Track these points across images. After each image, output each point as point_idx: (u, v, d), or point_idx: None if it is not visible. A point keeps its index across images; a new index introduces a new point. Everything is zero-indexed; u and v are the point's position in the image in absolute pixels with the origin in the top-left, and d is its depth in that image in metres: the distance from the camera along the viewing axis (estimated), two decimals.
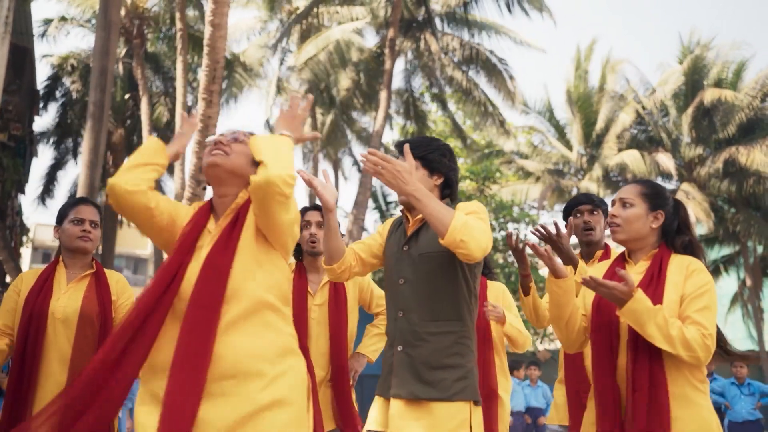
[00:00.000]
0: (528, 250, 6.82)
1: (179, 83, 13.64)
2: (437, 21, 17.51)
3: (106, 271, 3.07)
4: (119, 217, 19.49)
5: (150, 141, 2.17)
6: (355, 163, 22.39)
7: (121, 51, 17.22)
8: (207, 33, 9.22)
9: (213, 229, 2.08)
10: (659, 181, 20.06)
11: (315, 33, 17.37)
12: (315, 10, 17.34)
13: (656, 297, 2.25)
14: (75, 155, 18.57)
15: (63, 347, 2.84)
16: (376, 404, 2.45)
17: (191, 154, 9.69)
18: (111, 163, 18.01)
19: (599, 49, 34.58)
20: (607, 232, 3.27)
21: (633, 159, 19.21)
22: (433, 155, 2.50)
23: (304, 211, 3.41)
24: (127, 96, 18.37)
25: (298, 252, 3.43)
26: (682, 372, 2.22)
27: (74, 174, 19.52)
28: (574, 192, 20.95)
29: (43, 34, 17.26)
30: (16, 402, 2.77)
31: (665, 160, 19.29)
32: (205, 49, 9.23)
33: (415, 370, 2.32)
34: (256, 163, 2.04)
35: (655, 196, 2.43)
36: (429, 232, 2.43)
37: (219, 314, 1.92)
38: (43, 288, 2.92)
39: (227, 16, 9.32)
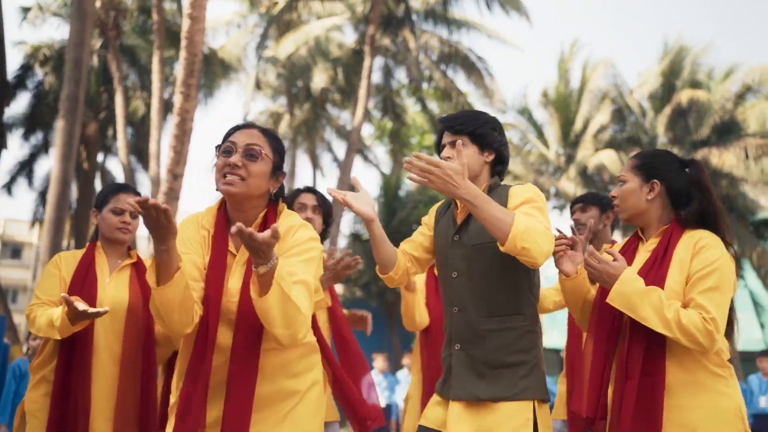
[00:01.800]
0: None
1: (155, 77, 13.45)
2: (416, 18, 17.49)
3: (144, 260, 2.98)
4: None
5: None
6: (335, 159, 22.30)
7: (96, 43, 16.92)
8: (185, 26, 9.09)
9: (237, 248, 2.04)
10: None
11: (294, 28, 17.25)
12: (294, 4, 17.22)
13: (659, 278, 2.12)
14: (46, 148, 18.22)
15: (111, 340, 2.73)
16: (434, 402, 2.31)
17: (168, 148, 9.56)
18: (84, 156, 17.71)
19: (580, 49, 35.24)
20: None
21: (610, 159, 19.37)
22: (483, 129, 2.31)
23: (297, 193, 3.31)
24: (101, 89, 18.08)
25: None
26: (694, 357, 2.08)
27: (46, 167, 19.18)
28: (552, 191, 21.08)
29: (22, 21, 16.92)
30: (67, 397, 2.65)
31: None
32: (183, 42, 9.11)
33: (475, 369, 2.18)
34: (275, 173, 2.05)
35: (648, 167, 2.29)
36: None
37: (262, 334, 1.94)
38: (87, 276, 2.78)
39: (205, 10, 9.21)
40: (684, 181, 2.25)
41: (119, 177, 19.73)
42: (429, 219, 2.48)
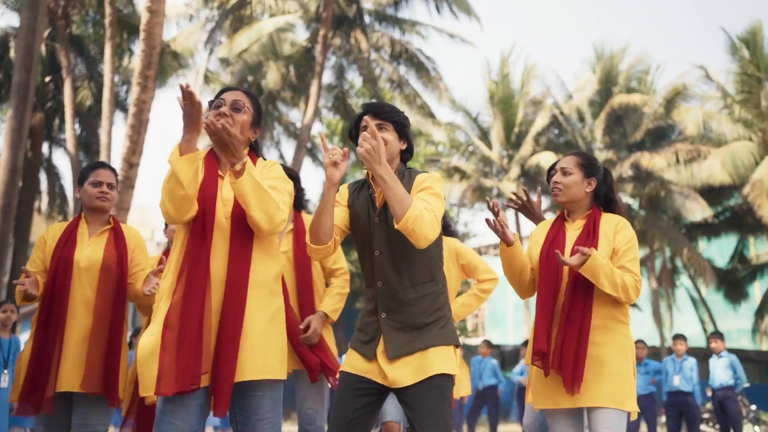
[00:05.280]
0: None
1: (107, 69, 13.44)
2: (367, 18, 17.88)
3: (123, 226, 3.40)
4: (36, 204, 18.88)
5: (182, 165, 2.35)
6: (281, 156, 22.45)
7: (45, 32, 16.70)
8: (144, 19, 9.26)
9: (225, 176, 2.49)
10: None
11: (246, 24, 17.39)
12: (247, 1, 17.37)
13: (592, 247, 2.78)
14: None
15: (87, 293, 3.17)
16: (355, 354, 2.59)
17: (124, 137, 9.69)
18: (29, 146, 17.42)
19: (521, 53, 36.35)
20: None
21: (548, 161, 20.15)
22: (403, 121, 2.64)
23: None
24: (48, 78, 17.81)
25: None
26: (607, 308, 2.81)
27: None
28: (495, 192, 21.78)
29: None
30: (45, 339, 3.10)
31: None
32: (142, 35, 9.27)
33: (404, 331, 2.52)
34: (254, 125, 2.55)
35: (589, 166, 2.98)
36: None
37: (252, 242, 2.43)
38: (68, 240, 3.25)
39: (164, 3, 9.38)
40: (603, 183, 3.02)
41: (65, 168, 19.43)
42: (342, 198, 2.69)
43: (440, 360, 2.51)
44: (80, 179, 3.35)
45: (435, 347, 2.52)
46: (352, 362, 2.60)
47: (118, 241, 3.30)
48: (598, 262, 2.69)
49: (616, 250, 2.82)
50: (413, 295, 2.53)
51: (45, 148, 18.96)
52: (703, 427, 12.34)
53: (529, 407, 3.68)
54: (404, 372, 2.49)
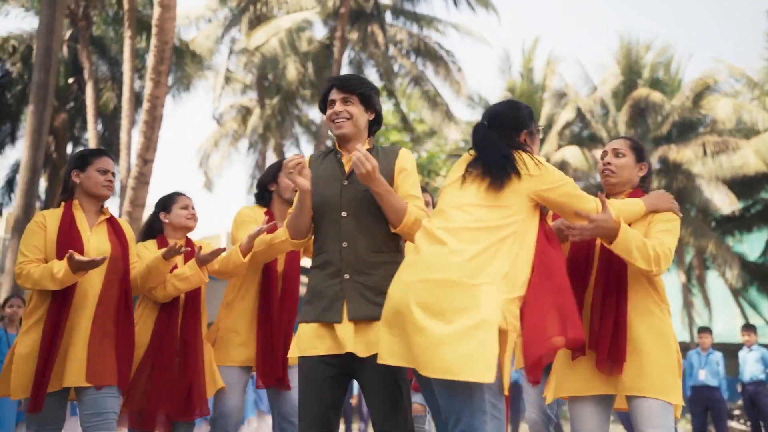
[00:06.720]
0: None
1: (126, 67, 13.52)
2: (385, 13, 17.79)
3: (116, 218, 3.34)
4: None
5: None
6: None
7: (66, 33, 16.89)
8: (156, 14, 9.27)
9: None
10: (598, 176, 20.81)
11: (264, 22, 17.42)
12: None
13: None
14: (13, 139, 18.09)
15: (95, 285, 3.08)
16: (310, 333, 2.57)
17: (138, 133, 9.71)
18: (53, 147, 17.66)
19: (543, 46, 35.72)
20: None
21: (573, 155, 19.86)
22: (369, 92, 2.71)
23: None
24: (71, 80, 18.02)
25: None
26: (643, 287, 2.65)
27: (13, 158, 19.01)
28: None
29: None
30: (57, 334, 2.99)
31: None
32: (154, 30, 9.28)
33: (365, 295, 2.53)
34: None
35: (641, 151, 2.90)
36: None
37: None
38: (71, 231, 3.12)
39: None
40: (649, 170, 2.93)
41: None
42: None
43: None
44: (80, 164, 3.24)
45: None
46: (312, 343, 2.55)
47: (118, 231, 3.25)
48: (630, 234, 2.52)
49: (652, 222, 2.68)
50: (378, 259, 2.58)
51: (69, 148, 19.19)
52: (733, 423, 12.01)
53: (534, 401, 3.54)
54: (360, 341, 2.49)
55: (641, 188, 2.87)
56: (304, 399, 2.52)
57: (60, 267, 2.92)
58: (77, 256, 2.89)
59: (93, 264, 2.92)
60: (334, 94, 2.67)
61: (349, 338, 2.49)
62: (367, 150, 2.66)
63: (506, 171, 2.39)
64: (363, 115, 2.70)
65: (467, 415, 2.17)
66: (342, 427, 10.03)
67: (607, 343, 2.55)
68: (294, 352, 2.60)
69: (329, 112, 2.68)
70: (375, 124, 2.77)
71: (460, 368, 2.11)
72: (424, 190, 3.82)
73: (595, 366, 2.60)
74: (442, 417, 2.35)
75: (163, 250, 3.24)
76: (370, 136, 2.77)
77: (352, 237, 2.58)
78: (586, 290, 2.69)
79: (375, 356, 2.38)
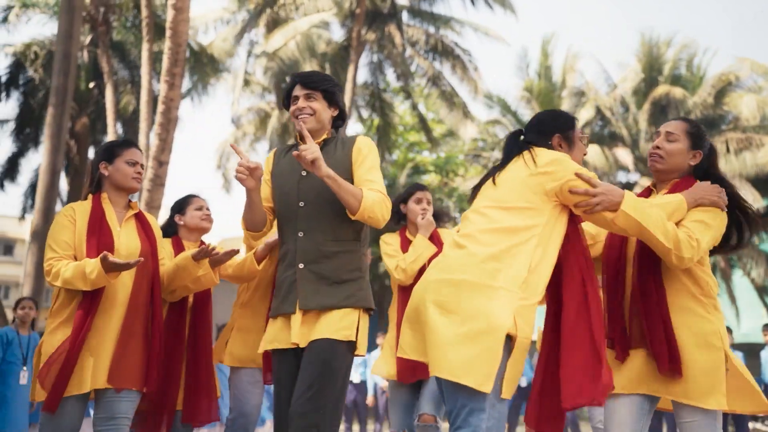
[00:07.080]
0: None
1: (144, 71, 13.64)
2: (403, 14, 17.75)
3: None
4: None
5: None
6: None
7: (86, 38, 17.10)
8: (170, 16, 9.33)
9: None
10: (618, 174, 20.61)
11: (281, 24, 17.47)
12: (281, 0, 17.45)
13: None
14: (36, 143, 18.37)
15: (126, 284, 2.96)
16: (274, 327, 2.64)
17: (154, 135, 9.79)
18: (75, 151, 17.89)
19: (562, 44, 35.64)
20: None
21: (593, 154, 19.66)
22: (333, 89, 2.74)
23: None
24: (91, 84, 18.24)
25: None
26: (682, 283, 2.45)
27: (35, 162, 19.31)
28: None
29: (3, 20, 17.04)
30: (86, 335, 2.84)
31: (624, 155, 19.79)
32: (168, 32, 9.34)
33: (318, 284, 2.56)
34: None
35: (698, 136, 2.57)
36: (329, 159, 2.63)
37: None
38: (101, 226, 2.99)
39: (190, 0, 9.43)
40: (708, 158, 2.59)
41: None
42: (266, 171, 2.83)
43: (335, 323, 2.51)
44: (108, 156, 3.09)
45: (344, 309, 2.54)
46: (275, 335, 2.61)
47: (146, 228, 3.12)
48: (638, 201, 2.31)
49: (688, 215, 2.44)
50: (335, 248, 2.59)
51: (91, 152, 19.44)
52: (758, 425, 11.78)
53: None
54: (304, 331, 2.53)
55: (693, 176, 2.56)
56: (275, 395, 2.55)
57: (93, 267, 2.78)
58: (111, 258, 2.75)
59: (127, 266, 2.79)
60: (298, 90, 2.71)
61: (295, 329, 2.52)
62: (326, 140, 2.71)
63: (510, 157, 2.41)
64: (326, 111, 2.73)
65: (467, 413, 2.20)
66: (342, 427, 10.00)
67: (664, 349, 2.38)
68: (261, 346, 2.67)
69: (293, 107, 2.71)
70: (339, 120, 2.81)
71: (461, 372, 2.15)
72: (423, 188, 3.81)
73: (640, 365, 2.48)
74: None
75: (194, 250, 3.10)
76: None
77: (308, 227, 2.60)
78: (624, 293, 2.54)
79: (314, 341, 2.47)
